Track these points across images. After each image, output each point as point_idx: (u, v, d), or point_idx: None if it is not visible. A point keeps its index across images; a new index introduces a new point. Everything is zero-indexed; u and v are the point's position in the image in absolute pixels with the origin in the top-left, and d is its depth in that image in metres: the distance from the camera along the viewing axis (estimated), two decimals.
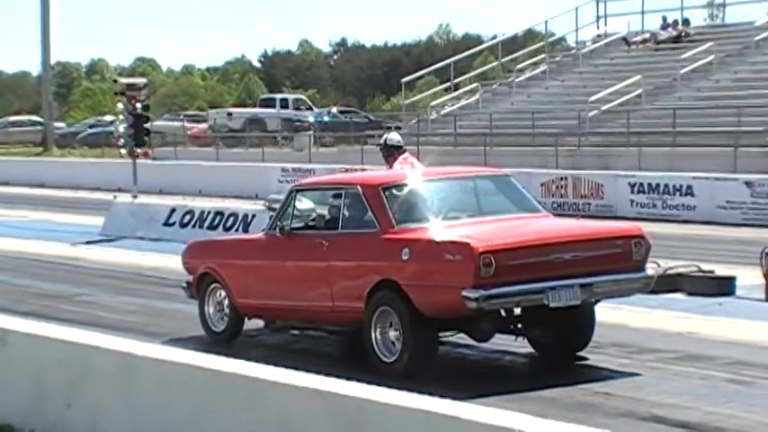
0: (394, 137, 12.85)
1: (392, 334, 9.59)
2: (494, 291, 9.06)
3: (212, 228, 19.54)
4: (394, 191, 10.13)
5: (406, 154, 12.57)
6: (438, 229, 9.66)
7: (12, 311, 12.03)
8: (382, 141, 12.84)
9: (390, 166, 12.37)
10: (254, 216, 18.66)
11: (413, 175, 10.52)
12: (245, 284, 10.99)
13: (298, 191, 10.90)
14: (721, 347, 10.49)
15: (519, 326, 9.98)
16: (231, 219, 19.45)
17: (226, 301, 11.21)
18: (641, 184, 23.59)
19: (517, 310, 9.79)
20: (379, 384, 6.17)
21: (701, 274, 13.39)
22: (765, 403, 8.57)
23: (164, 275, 15.45)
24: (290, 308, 10.65)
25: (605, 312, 11.58)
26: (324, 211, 10.50)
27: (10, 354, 8.07)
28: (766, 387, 9.12)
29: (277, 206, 11.48)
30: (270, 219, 11.70)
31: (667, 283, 13.09)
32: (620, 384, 9.19)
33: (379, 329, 9.66)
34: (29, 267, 17.61)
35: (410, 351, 9.43)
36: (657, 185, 23.29)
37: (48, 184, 36.64)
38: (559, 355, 10.13)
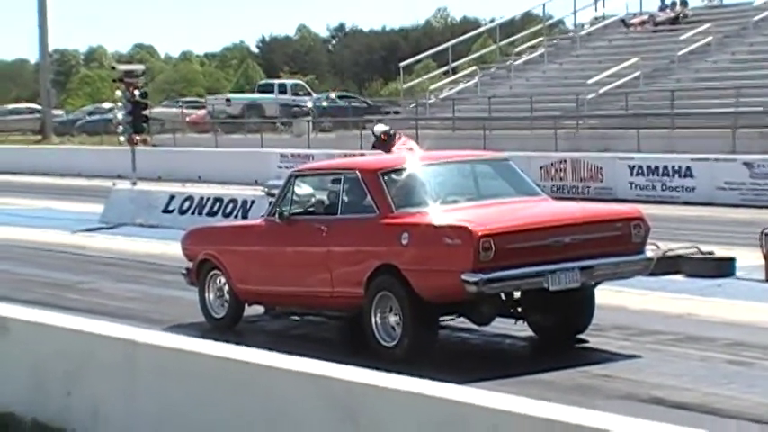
0: (379, 127, 12.99)
1: (392, 319, 9.61)
2: (493, 274, 9.07)
3: (211, 214, 19.55)
4: (393, 175, 10.13)
5: (404, 139, 12.60)
6: (437, 214, 9.67)
7: (13, 300, 12.04)
8: (376, 136, 12.97)
9: (391, 150, 12.41)
10: (253, 202, 18.67)
11: (411, 159, 10.52)
12: (244, 270, 11.00)
13: (297, 176, 10.89)
14: (721, 329, 10.51)
15: (519, 309, 10.00)
16: (230, 205, 19.45)
17: (226, 288, 11.22)
18: (640, 167, 23.58)
19: (517, 294, 9.81)
20: (378, 369, 6.18)
21: (700, 255, 13.40)
22: (765, 384, 8.59)
23: (163, 262, 15.46)
24: (290, 293, 10.67)
25: (605, 295, 11.59)
26: (323, 196, 10.51)
27: (11, 342, 8.08)
28: (766, 368, 9.14)
29: (276, 192, 11.48)
30: (269, 204, 11.71)
31: (667, 265, 13.10)
32: (619, 366, 9.21)
33: (379, 314, 9.67)
34: (29, 255, 17.62)
35: (410, 335, 9.44)
36: (656, 167, 23.29)
37: (47, 171, 36.61)
38: (559, 339, 10.15)
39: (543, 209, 10.14)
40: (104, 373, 7.38)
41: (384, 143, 12.71)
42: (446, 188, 10.23)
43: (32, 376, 7.82)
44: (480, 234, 9.07)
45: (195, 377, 6.81)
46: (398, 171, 10.25)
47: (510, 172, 10.68)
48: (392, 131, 12.71)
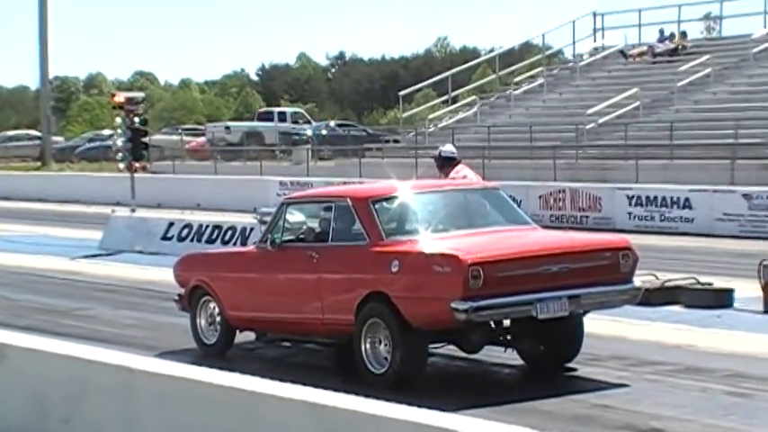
0: (447, 149, 12.80)
1: (382, 346, 9.66)
2: (482, 302, 9.14)
3: (210, 241, 19.55)
4: (384, 203, 10.22)
5: (461, 165, 12.49)
6: (427, 242, 9.72)
7: (11, 326, 12.04)
8: (437, 153, 12.82)
9: (442, 176, 12.35)
10: (251, 229, 18.67)
11: (402, 187, 10.56)
12: (236, 297, 11.06)
13: (288, 204, 10.97)
14: (720, 360, 10.50)
15: (508, 337, 10.05)
16: (229, 232, 19.47)
17: (217, 314, 11.26)
18: (639, 197, 23.62)
19: (506, 322, 9.86)
20: (372, 396, 6.18)
21: (699, 286, 13.41)
22: (764, 415, 8.58)
23: (162, 289, 15.43)
24: (281, 320, 10.71)
25: (604, 325, 11.59)
26: (314, 223, 10.57)
27: (9, 368, 8.06)
28: (765, 399, 9.12)
29: (268, 219, 11.53)
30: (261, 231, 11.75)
31: (666, 296, 13.12)
32: (618, 397, 9.20)
33: (369, 341, 9.73)
34: (28, 282, 17.60)
35: (400, 362, 9.49)
36: (655, 198, 23.33)
37: (46, 198, 36.63)
38: (549, 367, 10.18)
39: (532, 238, 10.21)
40: (102, 400, 7.36)
41: (438, 165, 12.65)
42: (436, 216, 10.29)
43: (31, 403, 7.80)
44: (470, 262, 9.12)
45: (194, 404, 6.79)
46: (389, 199, 10.33)
47: (500, 201, 10.76)
48: (451, 154, 12.59)
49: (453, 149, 12.79)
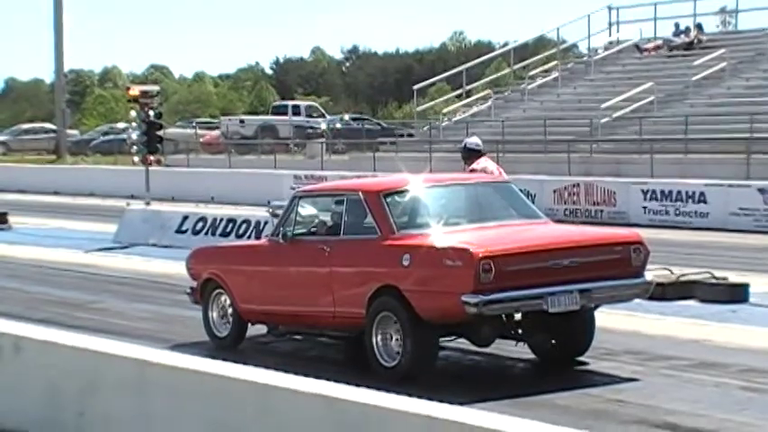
0: (472, 140, 12.80)
1: (393, 339, 9.67)
2: (493, 296, 9.14)
3: (225, 235, 19.58)
4: (395, 197, 10.23)
5: (484, 158, 12.53)
6: (438, 235, 9.72)
7: (25, 318, 12.09)
8: (462, 144, 12.84)
9: (468, 169, 12.34)
10: (265, 223, 18.67)
11: (414, 181, 10.55)
12: (248, 290, 11.08)
13: (300, 197, 10.99)
14: (735, 355, 10.47)
15: (519, 331, 10.04)
16: (244, 226, 19.49)
17: (229, 307, 11.29)
18: (654, 191, 23.56)
19: (517, 316, 9.85)
20: (385, 390, 6.18)
21: (714, 281, 13.36)
22: None
23: (176, 282, 15.44)
24: (293, 313, 10.74)
25: (618, 319, 11.57)
26: (326, 217, 10.58)
27: (24, 361, 8.08)
28: None
29: (280, 212, 11.54)
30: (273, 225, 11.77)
31: (680, 291, 13.08)
32: (632, 391, 9.17)
33: (380, 335, 9.74)
34: (42, 275, 17.65)
35: (411, 356, 9.49)
36: (670, 192, 23.26)
37: (61, 191, 36.74)
38: (560, 361, 10.17)
39: (544, 231, 10.20)
40: (117, 393, 7.37)
41: (463, 156, 12.73)
42: (448, 210, 10.28)
43: (45, 395, 7.82)
44: (481, 256, 9.12)
45: (208, 397, 6.80)
46: (401, 193, 10.33)
47: (511, 194, 10.76)
48: (475, 146, 12.62)
49: (478, 141, 12.76)
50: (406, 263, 9.54)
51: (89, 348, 7.73)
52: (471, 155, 12.54)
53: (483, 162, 12.43)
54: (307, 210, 10.77)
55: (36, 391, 7.90)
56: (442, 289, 9.29)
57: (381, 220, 9.94)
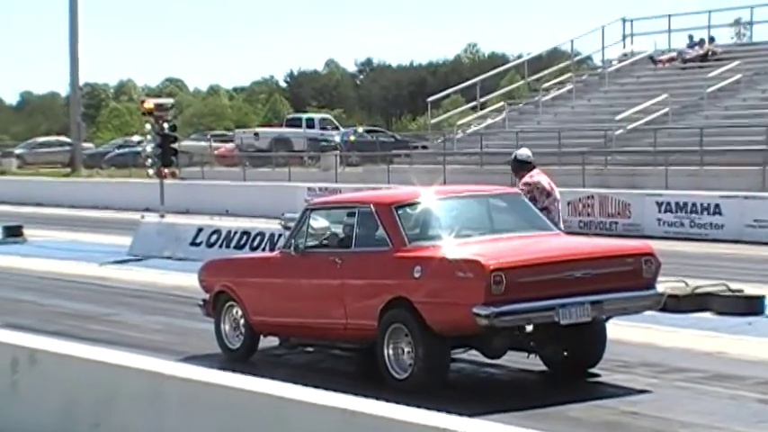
0: (522, 152, 12.41)
1: (405, 351, 9.67)
2: (504, 308, 9.13)
3: (239, 247, 19.59)
4: (407, 209, 10.25)
5: (536, 170, 12.16)
6: (450, 247, 9.72)
7: (39, 331, 12.10)
8: (512, 156, 12.50)
9: (520, 184, 12.05)
10: (279, 235, 18.67)
11: (425, 193, 10.56)
12: (260, 302, 11.10)
13: (312, 210, 11.02)
14: (751, 367, 10.42)
15: (531, 343, 10.03)
16: (258, 238, 19.49)
17: (241, 319, 11.30)
18: (668, 203, 23.50)
19: (529, 327, 9.83)
20: (400, 402, 6.17)
21: (729, 293, 13.30)
22: None
23: (190, 295, 15.46)
24: (305, 325, 10.75)
25: (633, 332, 11.53)
26: (338, 229, 10.59)
27: (40, 373, 8.09)
28: None
29: (292, 225, 11.56)
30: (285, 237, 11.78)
31: (696, 303, 13.03)
32: (647, 404, 9.13)
33: (391, 347, 9.75)
34: (57, 287, 17.69)
35: (422, 368, 9.50)
36: (685, 204, 23.20)
37: (76, 204, 36.83)
38: (572, 372, 10.15)
39: (555, 243, 10.20)
40: (132, 406, 7.37)
41: (513, 169, 12.37)
42: (459, 222, 10.28)
43: (61, 408, 7.82)
44: (492, 268, 9.12)
45: (223, 410, 6.80)
46: (412, 205, 10.34)
47: (523, 206, 10.76)
48: (526, 158, 12.26)
49: (529, 153, 12.38)
50: (417, 275, 9.55)
51: (104, 361, 7.74)
52: (522, 167, 12.17)
53: (536, 176, 12.02)
54: (318, 222, 10.79)
55: (52, 403, 7.90)
56: (454, 301, 9.30)
57: (393, 233, 9.96)
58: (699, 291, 13.25)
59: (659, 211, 23.60)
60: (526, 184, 11.92)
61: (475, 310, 9.09)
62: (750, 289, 13.75)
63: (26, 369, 8.14)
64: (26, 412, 8.02)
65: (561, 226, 11.67)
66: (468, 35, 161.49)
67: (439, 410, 5.91)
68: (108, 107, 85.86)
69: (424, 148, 39.32)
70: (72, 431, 7.66)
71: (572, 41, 39.74)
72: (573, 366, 10.19)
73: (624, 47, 38.70)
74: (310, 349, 11.35)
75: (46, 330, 12.57)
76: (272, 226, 20.04)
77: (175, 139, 23.89)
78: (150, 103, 23.54)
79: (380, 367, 9.78)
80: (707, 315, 12.94)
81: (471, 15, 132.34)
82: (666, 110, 31.55)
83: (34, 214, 33.07)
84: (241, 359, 11.17)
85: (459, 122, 38.21)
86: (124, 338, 12.54)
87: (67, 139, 56.70)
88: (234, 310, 11.40)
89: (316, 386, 6.72)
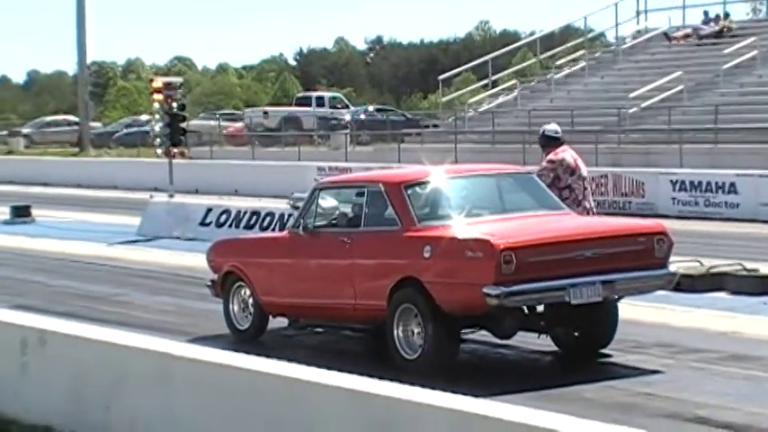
0: (551, 127, 11.99)
1: (414, 331, 9.60)
2: (515, 288, 9.05)
3: (249, 227, 19.52)
4: (416, 188, 10.16)
5: (563, 147, 11.77)
6: (460, 227, 9.63)
7: (48, 312, 12.06)
8: (541, 131, 12.07)
9: (546, 160, 11.73)
10: (289, 215, 18.58)
11: (435, 172, 10.44)
12: (268, 283, 11.03)
13: (321, 189, 10.93)
14: (766, 347, 10.33)
15: (541, 323, 9.93)
16: (268, 218, 19.42)
17: (250, 300, 11.25)
18: (683, 182, 23.34)
19: (539, 307, 9.75)
20: (411, 384, 6.10)
21: (745, 272, 13.20)
22: None
23: (199, 275, 15.38)
24: (314, 306, 10.69)
25: (647, 312, 11.44)
26: (347, 208, 10.51)
27: (49, 355, 8.05)
28: None
29: (301, 204, 11.48)
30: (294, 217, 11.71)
31: (711, 282, 12.94)
32: (662, 384, 9.05)
33: (401, 327, 9.68)
34: (66, 268, 17.65)
35: (432, 348, 9.43)
36: (700, 183, 23.04)
37: (84, 184, 36.81)
38: (584, 353, 10.07)
39: (566, 222, 10.11)
40: (142, 387, 7.33)
41: (541, 144, 12.00)
42: (469, 201, 10.19)
43: (70, 389, 7.78)
44: (502, 247, 9.04)
45: (232, 390, 6.75)
46: (422, 184, 10.24)
47: (533, 186, 10.67)
48: (554, 134, 11.88)
49: (557, 128, 12.00)
50: (427, 254, 9.46)
51: (114, 342, 7.70)
52: (549, 143, 11.80)
53: (561, 153, 11.68)
54: (327, 202, 10.70)
55: (61, 384, 7.86)
56: (464, 280, 9.22)
57: (402, 212, 9.87)
58: (714, 270, 13.14)
59: (674, 190, 23.44)
60: (550, 161, 11.66)
61: (485, 289, 9.01)
62: (766, 268, 13.62)
63: (36, 350, 8.11)
64: (36, 393, 7.99)
65: (587, 204, 11.51)
66: (479, 12, 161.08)
67: (451, 391, 5.83)
68: (116, 86, 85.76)
69: (435, 126, 39.18)
70: (82, 413, 7.63)
71: (585, 18, 39.57)
72: (584, 347, 10.10)
73: (638, 23, 38.50)
74: (320, 330, 11.27)
75: (55, 311, 12.52)
76: (282, 206, 19.95)
77: (184, 119, 23.77)
78: (159, 82, 23.42)
79: (390, 348, 9.71)
80: (722, 295, 12.83)
81: None
82: (681, 87, 31.34)
83: (42, 194, 33.06)
84: (250, 340, 11.11)
85: (471, 101, 38.06)
86: (133, 319, 12.49)
87: (75, 119, 56.65)
88: (243, 291, 11.34)
89: (327, 367, 6.65)
